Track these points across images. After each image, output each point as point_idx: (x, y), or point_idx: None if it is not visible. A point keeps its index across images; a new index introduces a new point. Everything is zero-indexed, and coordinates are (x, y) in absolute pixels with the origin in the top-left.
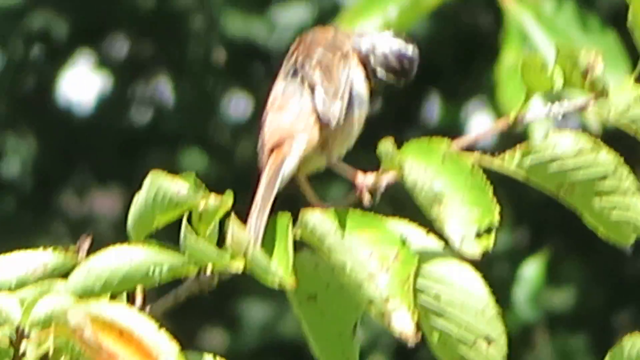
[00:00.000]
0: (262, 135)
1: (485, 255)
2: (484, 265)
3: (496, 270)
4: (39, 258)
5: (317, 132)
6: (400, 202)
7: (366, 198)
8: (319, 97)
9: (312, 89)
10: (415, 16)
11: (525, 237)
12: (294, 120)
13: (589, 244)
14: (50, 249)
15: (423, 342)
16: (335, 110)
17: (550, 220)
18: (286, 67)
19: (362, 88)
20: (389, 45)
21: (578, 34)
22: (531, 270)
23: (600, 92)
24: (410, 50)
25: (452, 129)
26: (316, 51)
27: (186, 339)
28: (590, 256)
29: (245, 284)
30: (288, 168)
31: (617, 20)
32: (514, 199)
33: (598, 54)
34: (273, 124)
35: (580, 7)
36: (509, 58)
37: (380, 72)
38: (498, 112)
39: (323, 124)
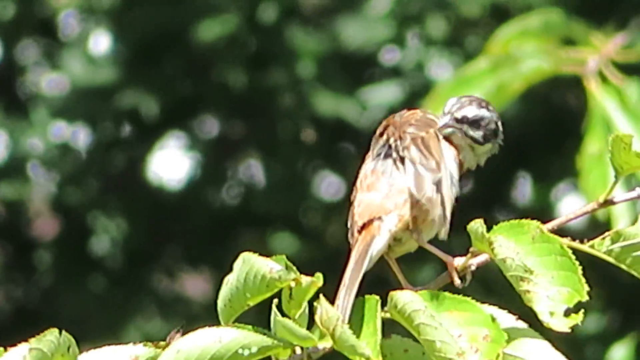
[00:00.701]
0: (351, 215)
1: (574, 333)
2: (576, 346)
3: (588, 352)
4: (129, 351)
5: (407, 210)
6: (489, 285)
7: (457, 280)
8: (415, 173)
9: (407, 166)
10: (502, 99)
11: (617, 320)
12: (383, 200)
13: None
14: (140, 344)
15: None
16: (427, 187)
17: None
18: (375, 146)
19: (453, 168)
20: (466, 109)
21: None
22: (621, 352)
23: None
24: (485, 111)
25: (542, 210)
26: (408, 130)
27: None
28: None
29: None
30: (377, 247)
31: None
32: (605, 281)
33: None
34: (363, 204)
35: None
36: (593, 145)
37: (473, 132)
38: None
39: (414, 201)
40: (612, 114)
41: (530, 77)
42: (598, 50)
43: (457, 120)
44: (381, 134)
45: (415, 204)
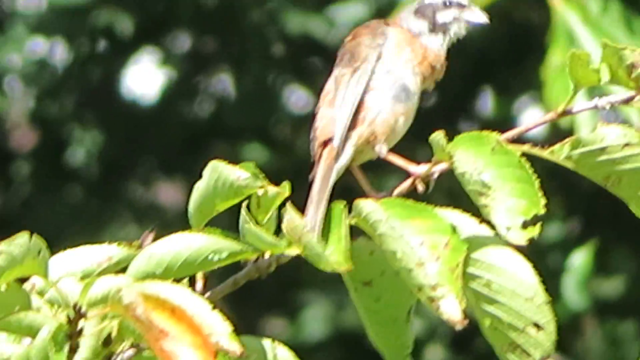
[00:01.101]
0: (314, 128)
1: (531, 243)
2: (536, 255)
3: (548, 260)
4: (104, 251)
5: (365, 128)
6: (455, 193)
7: (420, 187)
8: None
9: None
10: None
11: (577, 228)
12: (335, 118)
13: (637, 233)
14: (115, 244)
15: (477, 331)
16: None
17: (601, 211)
18: (338, 61)
19: (410, 82)
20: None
21: (622, 34)
22: (580, 259)
23: None
24: None
25: (504, 122)
26: (355, 37)
27: (249, 329)
28: (638, 245)
29: (307, 276)
30: (341, 163)
31: None
32: (566, 189)
33: None
34: (324, 119)
35: (625, 9)
36: (556, 57)
37: (442, 17)
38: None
39: (370, 119)
40: (575, 27)
41: None
42: None
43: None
44: (343, 47)
45: (371, 121)
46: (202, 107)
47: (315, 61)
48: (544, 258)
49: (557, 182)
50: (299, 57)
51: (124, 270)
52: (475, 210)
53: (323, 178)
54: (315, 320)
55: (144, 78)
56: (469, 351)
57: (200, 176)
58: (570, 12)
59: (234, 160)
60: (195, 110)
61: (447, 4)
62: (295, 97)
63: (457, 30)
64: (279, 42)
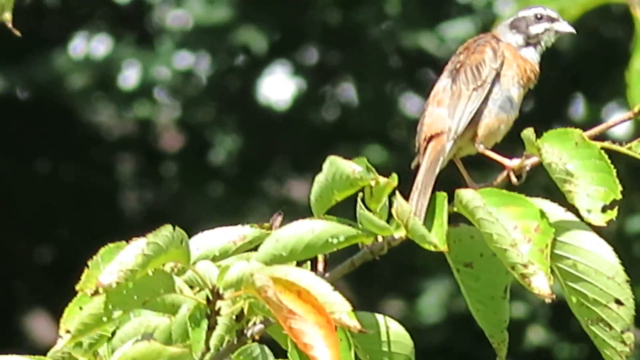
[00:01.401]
0: (420, 123)
1: (609, 225)
2: (623, 244)
3: (634, 249)
4: (239, 232)
5: (472, 127)
6: (549, 188)
7: (513, 178)
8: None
9: (464, 91)
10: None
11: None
12: (449, 114)
13: None
14: (247, 225)
15: (571, 313)
16: (486, 112)
17: None
18: (450, 65)
19: (514, 91)
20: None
21: None
22: None
23: None
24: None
25: (593, 124)
26: (471, 52)
27: (368, 309)
28: None
29: (422, 263)
30: (445, 155)
31: None
32: None
33: None
34: (433, 116)
35: None
36: (639, 62)
37: (535, 31)
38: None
39: (474, 122)
40: None
41: (585, 4)
42: None
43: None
44: (458, 54)
45: (472, 126)
46: (328, 112)
47: (427, 72)
48: (629, 245)
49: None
50: (413, 68)
51: (256, 248)
52: (563, 201)
53: (428, 169)
54: (430, 304)
55: (278, 87)
56: (565, 331)
57: (321, 170)
58: None
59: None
60: (323, 116)
61: (539, 17)
62: (410, 103)
63: (548, 40)
64: (396, 55)
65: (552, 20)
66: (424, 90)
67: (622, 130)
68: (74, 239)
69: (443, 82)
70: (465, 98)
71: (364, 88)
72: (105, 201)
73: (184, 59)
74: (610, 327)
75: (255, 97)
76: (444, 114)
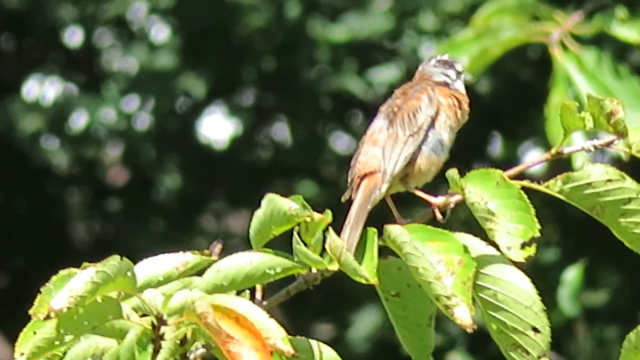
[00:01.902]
0: (356, 160)
1: (528, 261)
2: (537, 272)
3: (547, 277)
4: (181, 258)
5: (402, 169)
6: (469, 223)
7: (438, 215)
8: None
9: (400, 135)
10: (484, 62)
11: (570, 250)
12: (385, 156)
13: (620, 254)
14: (189, 252)
15: (489, 338)
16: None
17: (589, 235)
18: (386, 107)
19: (445, 135)
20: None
21: (611, 80)
22: (573, 275)
23: (621, 132)
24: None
25: (510, 162)
26: (409, 97)
27: (301, 333)
28: (621, 264)
29: (354, 292)
30: (377, 194)
31: None
32: (560, 218)
33: (619, 102)
34: (368, 155)
35: (614, 59)
36: (556, 97)
37: (458, 66)
38: (548, 147)
39: (408, 163)
40: (572, 74)
41: (507, 44)
42: (560, 25)
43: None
44: (393, 97)
45: (405, 167)
46: (264, 151)
47: (356, 113)
48: (544, 275)
49: (554, 212)
50: (343, 110)
51: (197, 274)
52: (483, 234)
53: (361, 205)
54: (359, 331)
55: (216, 128)
56: (484, 355)
57: (259, 206)
58: (568, 61)
59: (290, 194)
60: (259, 153)
61: (453, 60)
62: (340, 142)
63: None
64: (326, 98)
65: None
66: (353, 130)
67: (538, 167)
68: (27, 266)
69: (379, 123)
70: (401, 143)
71: (296, 128)
72: (55, 232)
73: (130, 103)
74: (528, 353)
75: (194, 137)
76: (378, 154)
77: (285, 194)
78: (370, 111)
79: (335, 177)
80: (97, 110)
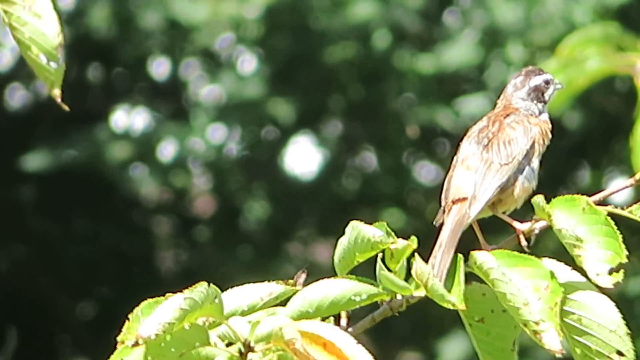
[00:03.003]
0: (448, 183)
1: (616, 287)
2: (626, 303)
3: (637, 308)
4: (266, 288)
5: (493, 197)
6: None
7: (523, 241)
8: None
9: (494, 163)
10: (569, 93)
11: None
12: (476, 182)
13: None
14: (274, 282)
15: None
16: (512, 183)
17: None
18: (478, 132)
19: (536, 163)
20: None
21: None
22: None
23: None
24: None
25: (597, 190)
26: (503, 126)
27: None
28: None
29: (439, 320)
30: (469, 219)
31: None
32: None
33: None
34: (461, 180)
35: None
36: None
37: (548, 95)
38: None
39: (497, 192)
40: None
41: (592, 75)
42: None
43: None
44: (488, 125)
45: (498, 193)
46: (351, 180)
47: (442, 142)
48: (631, 304)
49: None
50: (429, 139)
51: (281, 303)
52: (569, 262)
53: (453, 230)
54: (446, 356)
55: (303, 157)
56: None
57: (344, 234)
58: None
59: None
60: (345, 183)
61: (547, 82)
62: (425, 171)
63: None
64: (413, 127)
65: (553, 81)
66: (439, 159)
67: (622, 196)
68: (114, 296)
69: (472, 148)
70: (494, 171)
71: (383, 157)
72: (142, 261)
73: (217, 132)
74: None
75: (282, 166)
76: (472, 180)
77: (371, 222)
78: (456, 142)
79: (420, 206)
80: (185, 140)
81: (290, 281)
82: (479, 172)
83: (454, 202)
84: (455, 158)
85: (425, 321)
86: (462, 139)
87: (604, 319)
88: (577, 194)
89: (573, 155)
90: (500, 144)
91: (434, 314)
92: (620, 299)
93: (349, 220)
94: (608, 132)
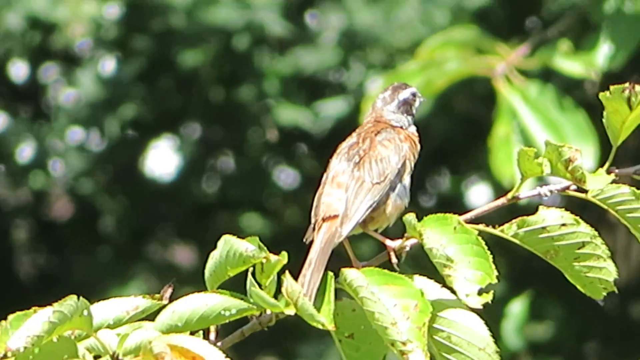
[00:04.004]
0: (319, 200)
1: (484, 307)
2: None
3: (491, 309)
4: (132, 302)
5: (364, 215)
6: (420, 261)
7: (394, 259)
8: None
9: (366, 181)
10: (429, 94)
11: (515, 282)
12: (350, 202)
13: (564, 288)
14: (140, 296)
15: None
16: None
17: (535, 268)
18: (348, 149)
19: (408, 180)
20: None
21: (556, 111)
22: (518, 308)
23: (578, 179)
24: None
25: (456, 196)
26: (375, 144)
27: None
28: (566, 297)
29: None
30: (340, 238)
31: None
32: (506, 251)
33: (578, 150)
34: (332, 197)
35: (558, 91)
36: (501, 129)
37: (415, 107)
38: (492, 182)
39: (370, 210)
40: (517, 106)
41: (451, 76)
42: (504, 59)
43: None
44: (358, 142)
45: (370, 212)
46: (210, 183)
47: (301, 146)
48: (489, 308)
49: (500, 246)
50: (289, 142)
51: (147, 318)
52: (435, 276)
53: (322, 249)
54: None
55: (164, 160)
56: None
57: (211, 242)
58: (513, 93)
59: (235, 226)
60: (204, 186)
61: (414, 94)
62: (284, 175)
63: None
64: (273, 130)
65: (418, 94)
66: (297, 163)
67: (481, 201)
68: None
69: (342, 165)
70: (366, 190)
71: (242, 160)
72: (0, 265)
73: (76, 134)
74: None
75: (141, 169)
76: (342, 198)
77: (232, 226)
78: (315, 144)
79: (280, 210)
80: (44, 142)
81: (157, 295)
82: (350, 190)
83: (324, 220)
84: (325, 175)
85: (285, 327)
86: (331, 155)
87: (473, 337)
88: (438, 202)
89: (433, 160)
90: (372, 162)
91: (299, 324)
92: (487, 312)
93: (208, 223)
94: (468, 136)
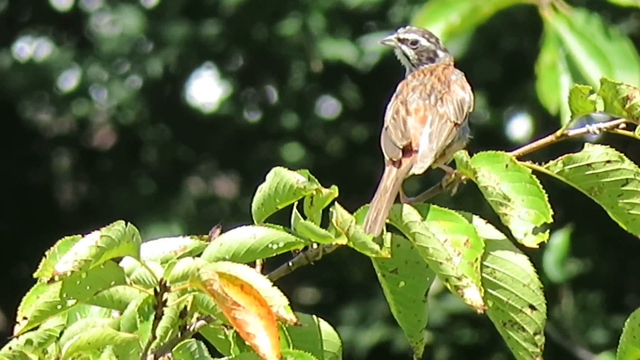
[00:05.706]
0: (403, 127)
1: (540, 247)
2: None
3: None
4: (180, 242)
5: (439, 150)
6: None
7: (454, 190)
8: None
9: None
10: (475, 20)
11: (557, 216)
12: (431, 134)
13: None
14: (188, 236)
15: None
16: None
17: (576, 203)
18: (422, 87)
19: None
20: (409, 34)
21: (602, 41)
22: (559, 240)
23: (636, 117)
24: (424, 40)
25: (496, 127)
26: (452, 85)
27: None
28: (604, 233)
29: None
30: (419, 172)
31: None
32: (548, 185)
33: (636, 88)
34: (415, 130)
35: (604, 20)
36: (548, 56)
37: (407, 50)
38: (532, 114)
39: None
40: (563, 34)
41: (498, 3)
42: None
43: (399, 40)
44: (429, 77)
45: (443, 147)
46: (252, 113)
47: (345, 78)
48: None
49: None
50: (333, 75)
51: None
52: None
53: (398, 180)
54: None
55: (206, 91)
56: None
57: (254, 176)
58: (559, 21)
59: (276, 157)
60: (246, 116)
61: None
62: (326, 105)
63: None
64: (318, 61)
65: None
66: (340, 95)
67: (521, 132)
68: (13, 228)
69: (423, 100)
70: (448, 130)
71: (285, 91)
72: (42, 193)
73: (120, 64)
74: (524, 330)
75: (184, 99)
76: (426, 133)
77: (273, 157)
78: (359, 78)
79: (321, 141)
80: (87, 70)
81: (205, 236)
82: (435, 126)
83: (403, 152)
84: (396, 104)
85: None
86: (396, 87)
87: (517, 273)
88: (480, 133)
89: (474, 91)
90: (454, 102)
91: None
92: (534, 250)
93: (250, 154)
94: (508, 67)
